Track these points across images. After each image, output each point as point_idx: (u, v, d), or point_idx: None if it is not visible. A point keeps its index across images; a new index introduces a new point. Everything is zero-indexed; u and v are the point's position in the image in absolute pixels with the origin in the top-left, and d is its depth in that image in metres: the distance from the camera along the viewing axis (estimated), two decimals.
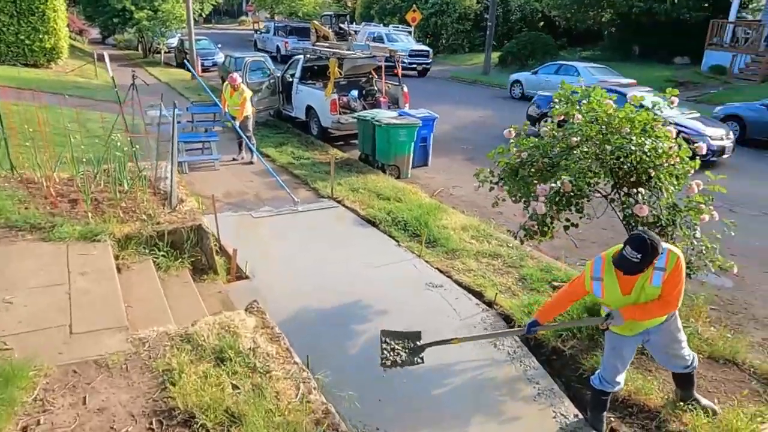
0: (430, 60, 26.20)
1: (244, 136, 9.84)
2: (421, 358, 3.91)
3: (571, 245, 7.32)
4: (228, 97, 10.21)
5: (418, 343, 3.98)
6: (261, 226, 7.47)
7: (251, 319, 3.91)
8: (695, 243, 4.63)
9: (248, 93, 10.33)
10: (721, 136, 11.11)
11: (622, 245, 3.28)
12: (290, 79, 13.43)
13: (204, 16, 36.50)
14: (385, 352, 3.86)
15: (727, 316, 5.49)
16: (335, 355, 4.55)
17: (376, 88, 12.80)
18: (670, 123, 5.09)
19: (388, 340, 3.96)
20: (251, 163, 10.26)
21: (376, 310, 5.36)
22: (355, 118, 10.79)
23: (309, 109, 12.67)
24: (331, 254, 6.53)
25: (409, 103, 12.37)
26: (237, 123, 9.71)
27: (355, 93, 12.50)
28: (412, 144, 9.95)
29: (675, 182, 4.72)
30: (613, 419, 3.84)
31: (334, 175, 8.90)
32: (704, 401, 3.95)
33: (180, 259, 5.35)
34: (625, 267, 3.18)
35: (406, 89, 12.48)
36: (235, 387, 3.26)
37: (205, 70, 23.91)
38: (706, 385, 4.24)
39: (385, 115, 10.22)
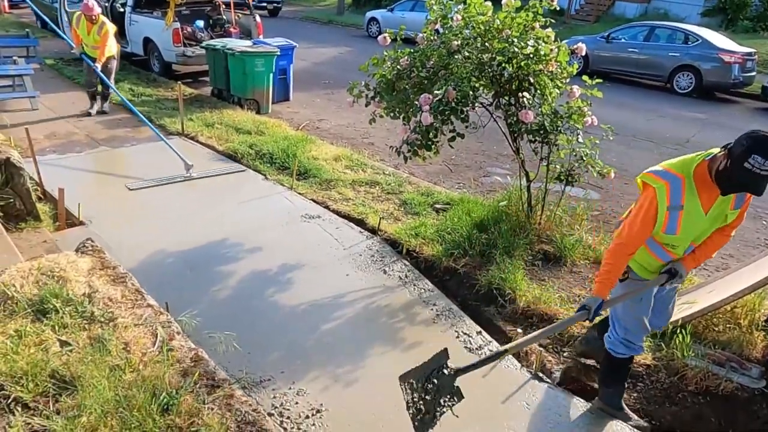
0: None
1: (108, 83, 7.78)
2: (457, 391, 2.37)
3: (446, 170, 7.13)
4: (84, 33, 7.71)
5: (447, 368, 2.40)
6: (96, 165, 6.27)
7: (84, 260, 3.02)
8: (577, 149, 4.55)
9: (111, 27, 7.89)
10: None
11: (704, 155, 2.37)
12: (121, 9, 11.59)
13: None
14: (415, 408, 2.40)
15: (600, 224, 5.58)
16: (201, 299, 3.80)
17: (224, 18, 11.47)
18: None
19: (412, 385, 2.43)
20: (105, 112, 8.23)
21: (247, 248, 4.65)
22: (203, 48, 9.53)
23: (147, 42, 11.07)
24: (186, 193, 5.61)
25: (262, 34, 11.27)
26: (98, 66, 7.58)
27: (200, 23, 11.15)
28: (271, 76, 9.02)
29: (557, 86, 4.55)
30: (518, 331, 3.60)
31: (184, 111, 7.78)
32: (634, 417, 3.01)
33: None
34: (755, 184, 2.16)
35: (258, 19, 11.35)
36: (64, 344, 2.43)
37: (13, 5, 20.23)
38: None
39: (238, 43, 9.13)
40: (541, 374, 3.31)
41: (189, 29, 10.84)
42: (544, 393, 3.16)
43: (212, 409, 2.23)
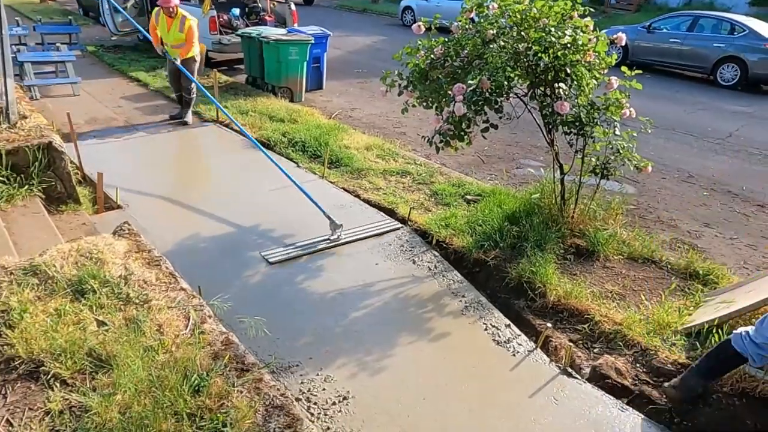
0: None
1: (193, 79, 6.94)
2: None
3: (478, 161, 7.07)
4: (164, 30, 6.91)
5: None
6: (134, 150, 6.41)
7: (121, 243, 3.10)
8: (614, 142, 4.44)
9: (193, 20, 6.98)
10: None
11: None
12: None
13: None
14: None
15: (635, 219, 5.45)
16: (233, 283, 3.88)
17: (260, 6, 11.55)
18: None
19: None
20: (186, 123, 7.33)
21: (279, 234, 4.70)
22: (239, 36, 9.63)
23: None
24: (221, 179, 5.70)
25: (297, 23, 11.31)
26: (178, 61, 6.91)
27: (236, 11, 11.21)
28: (305, 64, 9.06)
29: (595, 77, 4.44)
30: (548, 325, 3.56)
31: (219, 98, 7.87)
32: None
33: (26, 186, 4.29)
34: None
35: (293, 7, 11.37)
36: (101, 324, 2.51)
37: None
38: (631, 284, 4.11)
39: (272, 31, 9.19)
40: (570, 370, 3.26)
41: (225, 17, 10.94)
42: (573, 389, 3.13)
43: (241, 392, 2.27)
